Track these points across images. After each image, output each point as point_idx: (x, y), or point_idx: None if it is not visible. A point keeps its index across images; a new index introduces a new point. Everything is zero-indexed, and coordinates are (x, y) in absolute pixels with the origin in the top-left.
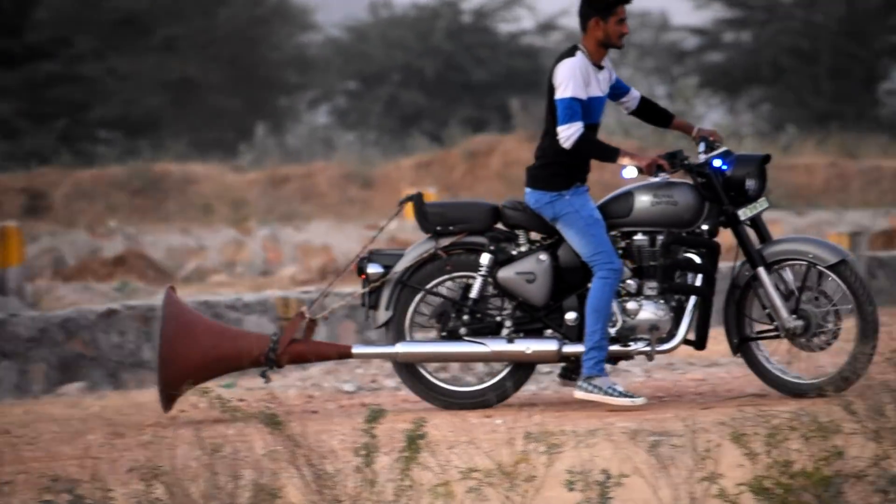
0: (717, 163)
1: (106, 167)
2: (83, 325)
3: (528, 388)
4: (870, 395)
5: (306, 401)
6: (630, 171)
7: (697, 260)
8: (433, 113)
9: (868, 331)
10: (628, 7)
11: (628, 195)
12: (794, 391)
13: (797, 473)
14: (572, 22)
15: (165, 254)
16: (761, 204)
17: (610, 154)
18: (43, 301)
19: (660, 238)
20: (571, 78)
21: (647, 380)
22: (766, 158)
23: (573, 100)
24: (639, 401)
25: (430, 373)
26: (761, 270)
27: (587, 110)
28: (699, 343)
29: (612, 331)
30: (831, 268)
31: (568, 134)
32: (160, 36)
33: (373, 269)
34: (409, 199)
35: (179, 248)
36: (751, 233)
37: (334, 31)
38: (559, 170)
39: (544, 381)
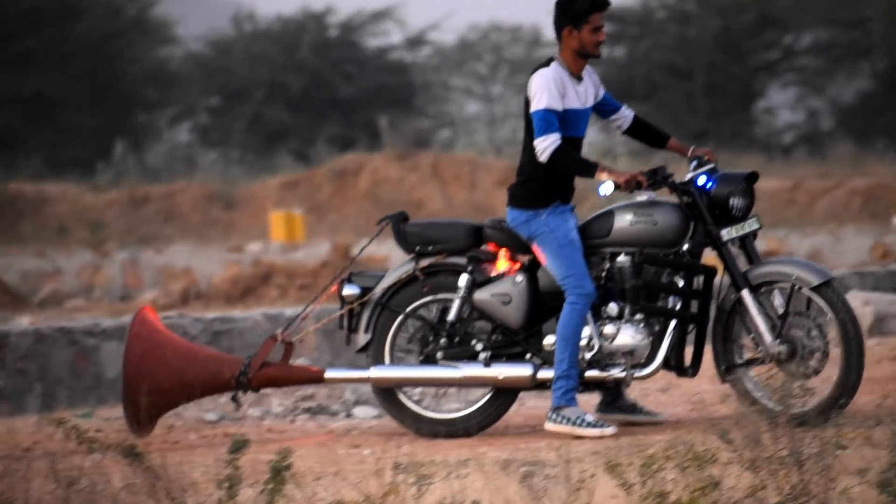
0: (700, 180)
1: None
2: None
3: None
4: (746, 424)
5: (166, 431)
6: (607, 187)
7: (678, 282)
8: (299, 130)
9: (852, 355)
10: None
11: (608, 215)
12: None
13: None
14: (442, 36)
15: (19, 277)
16: (750, 224)
17: (587, 168)
18: None
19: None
20: (545, 89)
21: (519, 407)
22: (753, 176)
23: (547, 111)
24: (608, 430)
25: (409, 398)
26: (745, 293)
27: (564, 123)
28: (678, 368)
29: (588, 355)
30: (815, 289)
31: (544, 146)
32: (12, 50)
33: (349, 290)
34: (389, 218)
35: (34, 272)
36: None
37: (195, 45)
38: (537, 186)
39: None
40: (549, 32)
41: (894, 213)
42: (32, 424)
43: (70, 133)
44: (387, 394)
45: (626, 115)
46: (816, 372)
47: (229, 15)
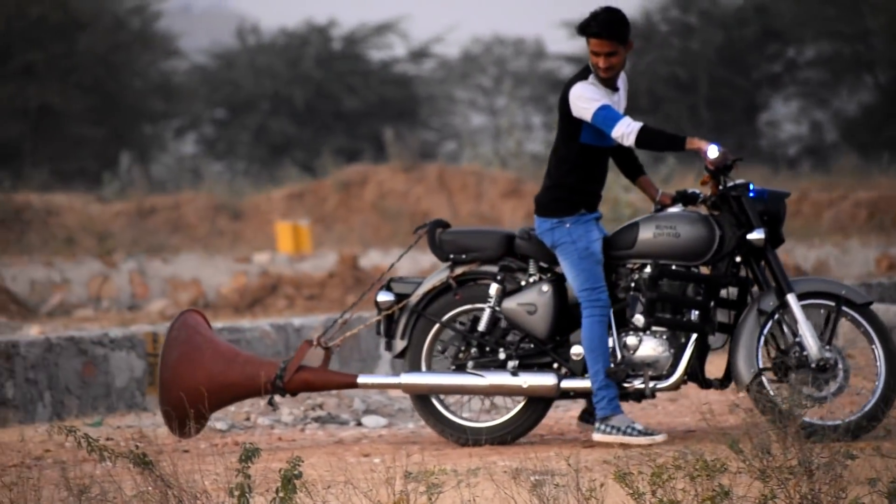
0: (753, 186)
1: None
2: None
3: (407, 426)
4: (755, 434)
5: (177, 439)
6: (713, 150)
7: (699, 295)
8: (304, 142)
9: (894, 373)
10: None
11: (633, 226)
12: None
13: None
14: (446, 49)
15: (28, 287)
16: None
17: (676, 141)
18: None
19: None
20: (590, 95)
21: None
22: (786, 195)
23: (605, 107)
24: (659, 438)
25: (444, 406)
26: (792, 298)
27: (598, 131)
28: (700, 381)
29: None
30: (859, 308)
31: (624, 132)
32: (18, 62)
33: (383, 297)
34: (426, 226)
35: (42, 282)
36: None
37: (200, 58)
38: (562, 194)
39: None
40: (551, 45)
41: None
42: (43, 433)
43: (76, 144)
44: (422, 400)
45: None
46: (841, 389)
47: (233, 28)
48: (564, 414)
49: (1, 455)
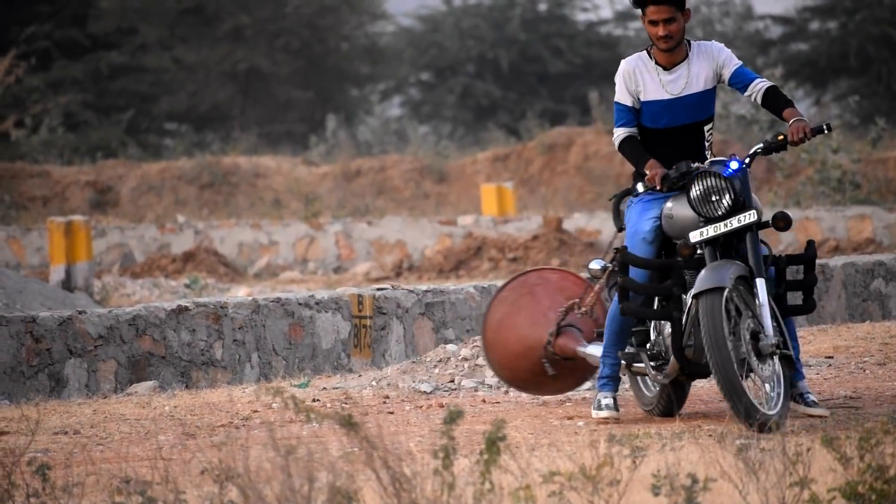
0: (733, 165)
1: (174, 160)
2: (152, 323)
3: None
4: None
5: (382, 401)
6: (640, 187)
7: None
8: (509, 105)
9: None
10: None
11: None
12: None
13: (892, 479)
14: None
15: (236, 249)
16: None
17: (640, 162)
18: (111, 298)
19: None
20: (617, 83)
21: None
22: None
23: (617, 103)
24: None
25: (639, 377)
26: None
27: (644, 114)
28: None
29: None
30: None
31: (614, 138)
32: (227, 26)
33: (595, 265)
34: (616, 196)
35: (250, 244)
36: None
37: (406, 21)
38: (633, 175)
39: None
40: (760, 6)
41: None
42: (250, 394)
43: (284, 108)
44: (630, 370)
45: (758, 88)
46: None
47: None
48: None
49: (210, 415)
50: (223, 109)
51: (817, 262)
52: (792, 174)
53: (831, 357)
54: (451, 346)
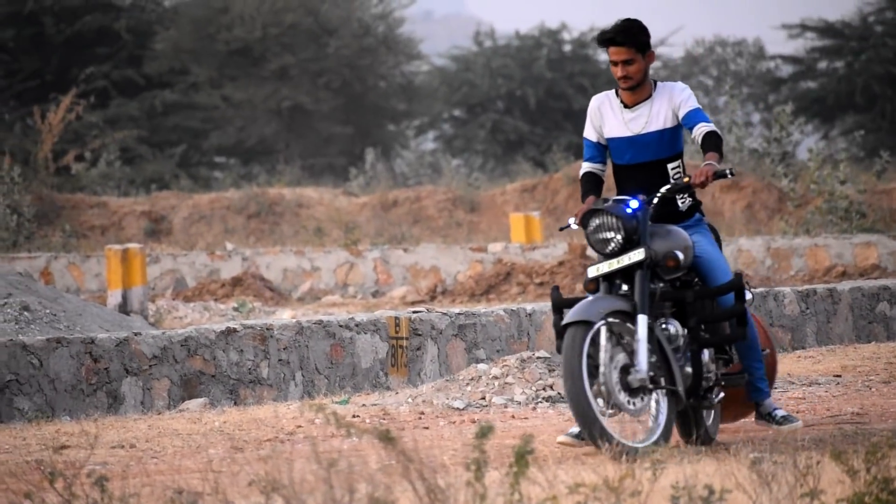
0: (632, 205)
1: (223, 192)
2: (203, 344)
3: None
4: None
5: (417, 417)
6: (571, 221)
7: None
8: (536, 139)
9: None
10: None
11: None
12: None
13: None
14: (670, 51)
15: (280, 275)
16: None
17: (583, 198)
18: (164, 320)
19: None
20: (587, 119)
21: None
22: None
23: (584, 139)
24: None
25: None
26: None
27: (613, 150)
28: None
29: None
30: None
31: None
32: (273, 66)
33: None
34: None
35: (294, 270)
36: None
37: (440, 61)
38: None
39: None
40: (771, 46)
41: None
42: (295, 410)
43: (325, 142)
44: None
45: (700, 131)
46: None
47: (471, 32)
48: (781, 395)
49: (257, 430)
50: (269, 144)
51: (826, 286)
52: (802, 204)
53: (839, 375)
54: (482, 366)
